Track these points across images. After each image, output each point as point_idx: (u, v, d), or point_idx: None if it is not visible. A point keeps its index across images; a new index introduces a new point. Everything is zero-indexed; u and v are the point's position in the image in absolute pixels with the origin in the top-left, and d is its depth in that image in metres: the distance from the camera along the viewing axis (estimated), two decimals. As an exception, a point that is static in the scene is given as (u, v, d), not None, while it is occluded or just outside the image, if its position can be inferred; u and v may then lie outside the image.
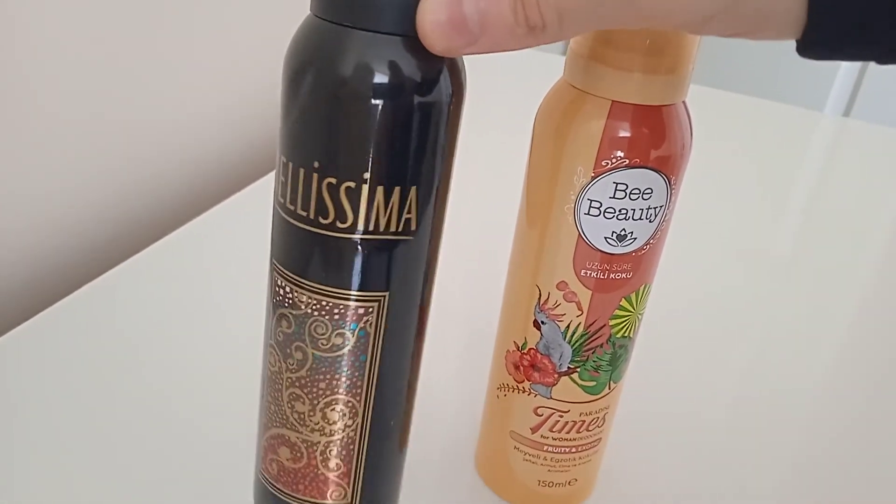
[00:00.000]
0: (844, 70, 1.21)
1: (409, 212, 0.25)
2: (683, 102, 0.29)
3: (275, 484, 0.30)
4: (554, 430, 0.33)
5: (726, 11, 0.19)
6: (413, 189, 0.24)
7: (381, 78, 0.22)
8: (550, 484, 0.35)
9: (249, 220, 0.54)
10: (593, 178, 0.28)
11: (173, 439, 0.37)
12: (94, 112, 0.51)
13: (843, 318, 0.56)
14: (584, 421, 0.33)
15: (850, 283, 0.60)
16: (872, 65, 1.18)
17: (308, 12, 0.24)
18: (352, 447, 0.29)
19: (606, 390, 0.33)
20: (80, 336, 0.42)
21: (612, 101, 0.27)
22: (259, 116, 0.68)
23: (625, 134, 0.27)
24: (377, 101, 0.23)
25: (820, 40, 0.19)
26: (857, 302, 0.59)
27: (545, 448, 0.34)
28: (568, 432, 0.33)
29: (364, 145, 0.23)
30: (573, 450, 0.34)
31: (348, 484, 0.29)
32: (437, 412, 0.41)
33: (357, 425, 0.28)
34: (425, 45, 0.22)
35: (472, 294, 0.50)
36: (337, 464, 0.29)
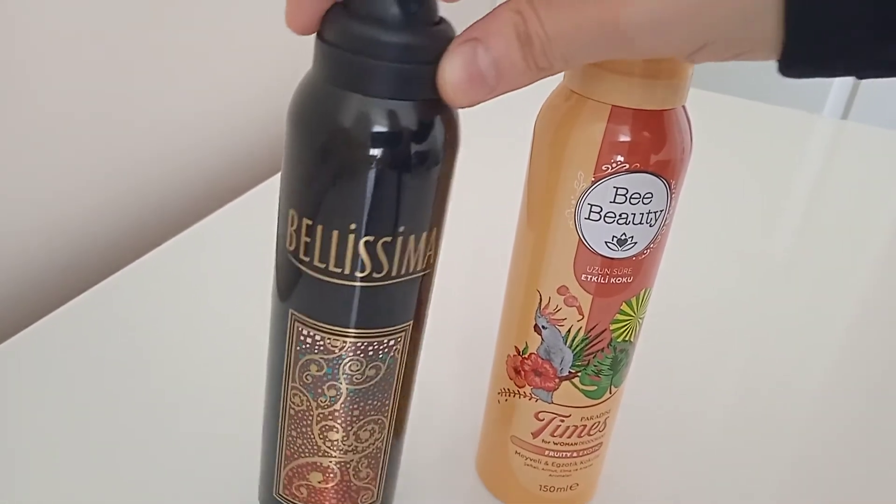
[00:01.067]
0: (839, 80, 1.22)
1: (430, 250, 0.26)
2: (683, 107, 0.29)
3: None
4: (555, 434, 0.33)
5: (710, 44, 0.20)
6: (434, 231, 0.26)
7: (411, 148, 0.24)
8: (552, 489, 0.35)
9: (254, 222, 0.54)
10: (593, 182, 0.28)
11: (177, 443, 0.37)
12: (97, 113, 0.51)
13: (843, 320, 0.56)
14: (585, 425, 0.33)
15: (849, 286, 0.60)
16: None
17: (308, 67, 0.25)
18: (379, 456, 0.30)
19: (608, 395, 0.33)
20: (84, 340, 0.42)
21: (612, 105, 0.27)
22: (261, 119, 0.68)
23: (625, 138, 0.27)
24: (408, 170, 0.24)
25: (798, 61, 0.20)
26: (857, 304, 0.59)
27: (546, 453, 0.34)
28: (569, 437, 0.33)
29: (398, 206, 0.25)
30: (574, 454, 0.34)
31: (376, 486, 0.31)
32: (438, 417, 0.41)
33: (384, 437, 0.30)
34: (449, 103, 0.23)
35: (473, 298, 0.50)
36: (367, 473, 0.30)
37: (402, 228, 0.25)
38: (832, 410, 0.46)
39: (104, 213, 0.54)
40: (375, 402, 0.28)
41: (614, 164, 0.28)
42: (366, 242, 0.25)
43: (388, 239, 0.25)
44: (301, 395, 0.28)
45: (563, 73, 0.29)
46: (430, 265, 0.27)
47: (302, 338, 0.27)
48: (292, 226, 0.26)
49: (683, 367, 0.47)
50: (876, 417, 0.46)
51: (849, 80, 1.22)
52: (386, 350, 0.27)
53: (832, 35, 0.19)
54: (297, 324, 0.27)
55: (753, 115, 0.91)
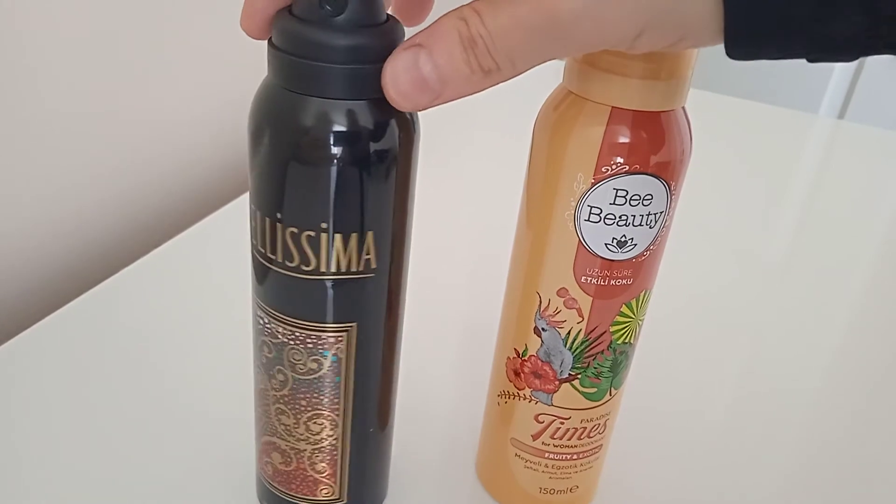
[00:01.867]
0: (839, 73, 1.21)
1: (367, 253, 0.27)
2: (683, 108, 0.29)
3: (272, 483, 0.32)
4: (555, 437, 0.33)
5: (649, 30, 0.20)
6: (370, 234, 0.26)
7: (332, 140, 0.24)
8: (552, 491, 0.35)
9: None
10: (593, 184, 0.28)
11: (176, 441, 0.36)
12: (92, 115, 0.51)
13: (842, 319, 0.56)
14: (585, 428, 0.33)
15: (848, 285, 0.60)
16: (866, 67, 1.19)
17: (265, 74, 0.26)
18: (335, 453, 0.31)
19: (607, 397, 0.33)
20: (84, 340, 0.42)
21: (612, 107, 0.27)
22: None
23: (624, 140, 0.27)
24: (330, 162, 0.25)
25: (741, 41, 0.20)
26: (856, 303, 0.59)
27: (546, 455, 0.34)
28: (569, 439, 0.33)
29: (320, 199, 0.25)
30: (574, 457, 0.34)
31: (335, 483, 0.32)
32: (438, 419, 0.40)
33: (338, 434, 0.30)
34: (395, 106, 0.23)
35: (473, 300, 0.50)
36: (323, 467, 0.31)
37: (324, 225, 0.25)
38: (832, 411, 0.46)
39: (101, 216, 0.54)
40: (322, 398, 0.29)
41: (614, 166, 0.27)
42: (291, 233, 0.26)
43: (312, 233, 0.26)
44: (261, 373, 0.30)
45: (562, 75, 0.29)
46: (370, 269, 0.27)
47: (257, 318, 0.29)
48: (250, 214, 0.27)
49: (683, 368, 0.47)
50: (875, 417, 0.46)
51: (845, 80, 1.22)
52: (325, 346, 0.28)
53: (772, 11, 0.19)
54: (255, 306, 0.29)
55: (750, 115, 0.91)
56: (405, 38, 0.25)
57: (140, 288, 0.48)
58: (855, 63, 1.22)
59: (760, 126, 0.89)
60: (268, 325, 0.28)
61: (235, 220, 0.56)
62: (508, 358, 0.33)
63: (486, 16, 0.21)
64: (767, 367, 0.49)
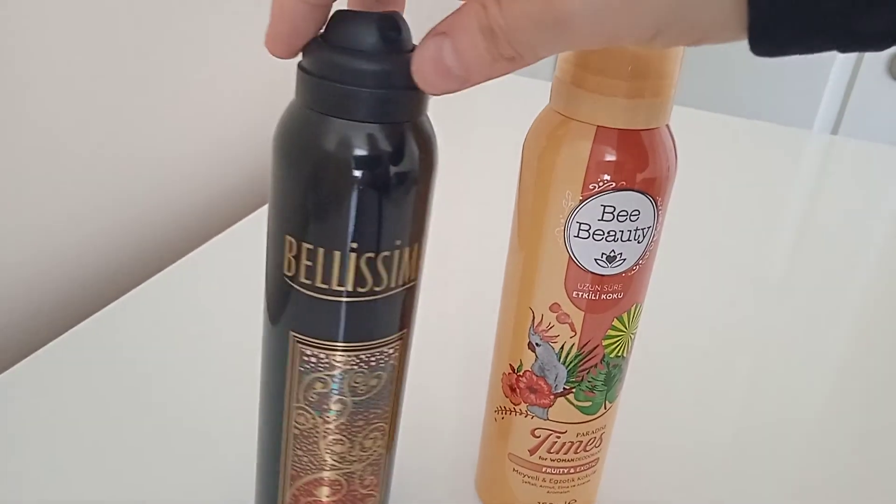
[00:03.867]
0: (831, 88, 1.23)
1: (415, 262, 0.27)
2: (667, 126, 0.30)
3: None
4: (552, 451, 0.34)
5: (665, 29, 0.20)
6: (417, 245, 0.27)
7: (392, 168, 0.25)
8: (550, 505, 0.35)
9: (245, 250, 0.55)
10: (581, 201, 0.29)
11: (175, 465, 0.37)
12: (96, 141, 0.52)
13: (840, 331, 0.56)
14: (581, 441, 0.34)
15: (844, 298, 0.61)
16: (859, 81, 1.20)
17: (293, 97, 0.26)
18: (381, 462, 0.31)
19: (602, 410, 0.33)
20: (83, 369, 0.43)
21: (597, 126, 0.28)
22: (254, 149, 0.69)
23: (611, 158, 0.28)
24: (388, 189, 0.25)
25: (765, 40, 0.20)
26: (852, 317, 0.59)
27: (544, 469, 0.34)
28: (566, 453, 0.34)
29: (396, 221, 0.26)
30: (571, 470, 0.34)
31: (379, 491, 0.32)
32: (437, 435, 0.41)
33: (385, 442, 0.31)
34: (425, 92, 0.24)
35: (471, 317, 0.51)
36: (371, 480, 0.31)
37: (398, 242, 0.26)
38: (831, 423, 0.47)
39: (101, 242, 0.55)
40: (378, 411, 0.29)
41: (601, 183, 0.28)
42: (367, 259, 0.26)
43: (388, 253, 0.26)
44: (306, 413, 0.28)
45: (549, 96, 0.30)
46: (418, 275, 0.28)
47: (305, 358, 0.28)
48: (290, 251, 0.26)
49: (679, 383, 0.48)
50: (874, 436, 0.46)
51: (838, 96, 1.23)
52: (386, 359, 0.28)
53: (797, 9, 0.19)
54: (298, 344, 0.27)
55: (745, 132, 0.92)
56: None
57: (137, 315, 0.48)
58: (847, 79, 1.24)
59: (755, 143, 0.90)
60: (324, 360, 0.27)
61: (228, 248, 0.57)
62: (504, 374, 0.34)
63: (505, 6, 0.21)
64: (765, 380, 0.49)
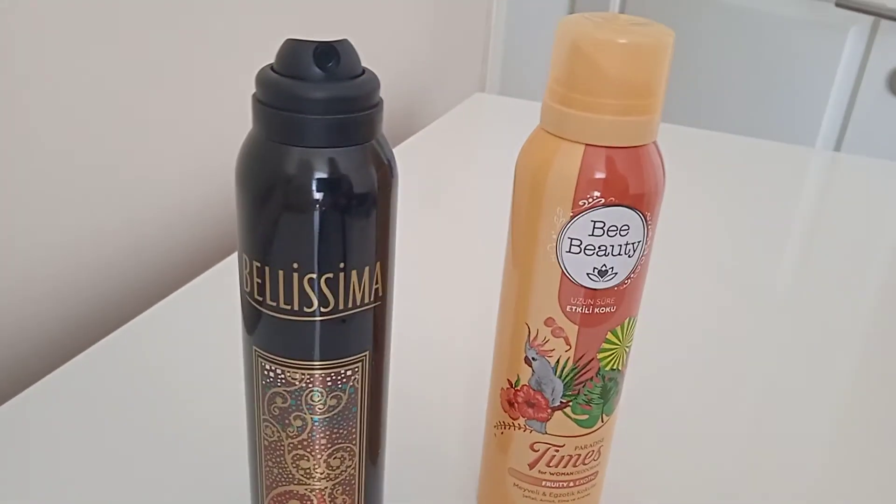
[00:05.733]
0: (832, 104, 1.23)
1: (376, 283, 0.28)
2: (655, 143, 0.31)
3: None
4: (551, 464, 0.34)
5: None
6: (378, 264, 0.28)
7: (346, 191, 0.27)
8: (551, 519, 0.35)
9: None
10: (572, 217, 0.29)
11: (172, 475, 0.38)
12: (85, 174, 0.53)
13: (841, 347, 0.57)
14: (579, 455, 0.34)
15: (848, 314, 0.61)
16: (860, 97, 1.20)
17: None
18: (353, 482, 0.31)
19: (600, 423, 0.34)
20: (76, 403, 0.44)
21: (586, 144, 0.29)
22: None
23: (599, 175, 0.29)
24: (344, 211, 0.26)
25: None
26: (856, 332, 0.59)
27: (543, 483, 0.35)
28: (565, 466, 0.34)
29: (337, 245, 0.27)
30: (571, 484, 0.35)
31: None
32: (440, 451, 0.41)
33: (356, 463, 0.31)
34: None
35: (472, 333, 0.51)
36: (343, 499, 0.32)
37: (342, 265, 0.27)
38: (838, 433, 0.47)
39: (91, 279, 0.56)
40: (342, 431, 0.30)
41: (591, 200, 0.29)
42: (309, 279, 0.27)
43: (330, 275, 0.27)
44: (272, 426, 0.30)
45: (539, 117, 0.31)
46: (379, 297, 0.29)
47: (266, 372, 0.29)
48: (246, 269, 0.28)
49: (680, 396, 0.48)
50: (884, 455, 0.46)
51: (840, 112, 1.24)
52: (345, 380, 0.29)
53: None
54: (259, 359, 0.29)
55: (747, 150, 0.93)
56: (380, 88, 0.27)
57: (133, 347, 0.49)
58: (848, 95, 1.24)
59: (758, 161, 0.90)
60: (281, 376, 0.29)
61: (219, 282, 0.58)
62: (502, 389, 0.34)
63: None
64: (767, 395, 0.50)
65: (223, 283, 0.56)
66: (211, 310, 0.52)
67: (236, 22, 0.63)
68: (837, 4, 1.21)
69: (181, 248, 0.63)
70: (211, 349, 0.48)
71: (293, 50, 0.26)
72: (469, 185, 0.70)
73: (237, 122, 0.66)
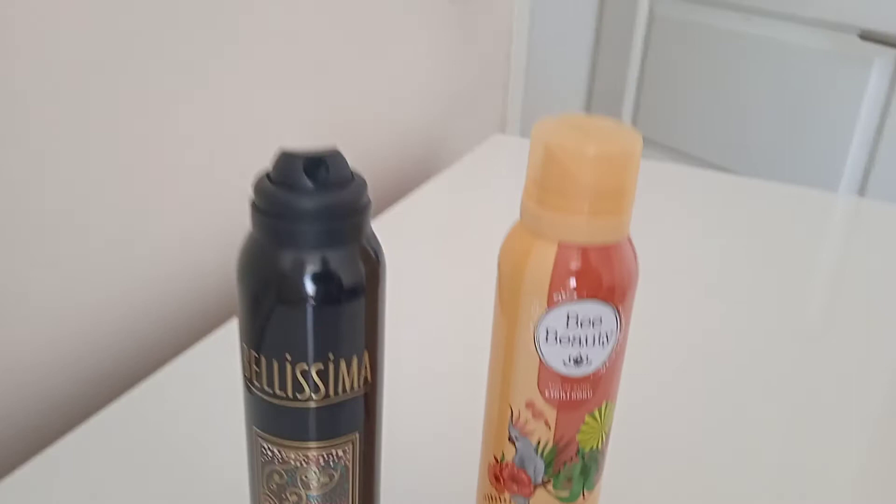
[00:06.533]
0: (859, 132, 1.23)
1: (365, 370, 0.31)
2: (628, 237, 0.32)
3: None
4: (535, 537, 0.36)
5: None
6: (365, 354, 0.30)
7: (335, 289, 0.29)
8: (537, 589, 0.37)
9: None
10: (547, 309, 0.31)
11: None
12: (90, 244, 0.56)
13: (866, 396, 0.56)
14: (563, 528, 0.36)
15: (875, 363, 0.61)
16: (883, 140, 1.20)
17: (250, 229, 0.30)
18: None
19: (581, 498, 0.35)
20: (77, 475, 0.46)
21: (559, 242, 0.31)
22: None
23: (572, 272, 0.31)
24: (333, 308, 0.29)
25: None
26: (881, 379, 0.59)
27: (528, 555, 0.36)
28: (549, 539, 0.36)
29: (325, 336, 0.29)
30: (555, 556, 0.36)
31: None
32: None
33: None
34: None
35: (468, 409, 0.53)
36: None
37: (332, 356, 0.29)
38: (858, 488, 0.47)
39: (91, 349, 0.57)
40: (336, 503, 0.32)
41: (564, 294, 0.31)
42: (301, 369, 0.29)
43: (321, 366, 0.29)
44: (270, 499, 0.32)
45: (520, 212, 0.33)
46: (368, 383, 0.31)
47: (264, 451, 0.31)
48: (245, 356, 0.30)
49: (693, 454, 0.49)
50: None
51: (863, 157, 1.23)
52: (337, 459, 0.31)
53: None
54: (258, 439, 0.31)
55: (769, 195, 0.93)
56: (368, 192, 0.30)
57: (135, 415, 0.50)
58: (874, 127, 1.24)
59: (780, 206, 0.90)
60: (277, 455, 0.31)
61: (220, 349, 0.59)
62: (490, 464, 0.36)
63: None
64: (785, 465, 0.50)
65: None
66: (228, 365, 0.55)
67: (260, 66, 0.67)
68: (861, 37, 1.21)
69: (190, 307, 0.65)
70: (219, 416, 0.51)
71: (285, 161, 0.28)
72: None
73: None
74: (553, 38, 1.64)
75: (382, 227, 0.75)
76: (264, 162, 0.68)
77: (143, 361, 0.60)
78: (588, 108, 1.71)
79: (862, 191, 1.26)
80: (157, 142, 0.58)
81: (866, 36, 1.22)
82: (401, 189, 0.95)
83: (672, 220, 0.83)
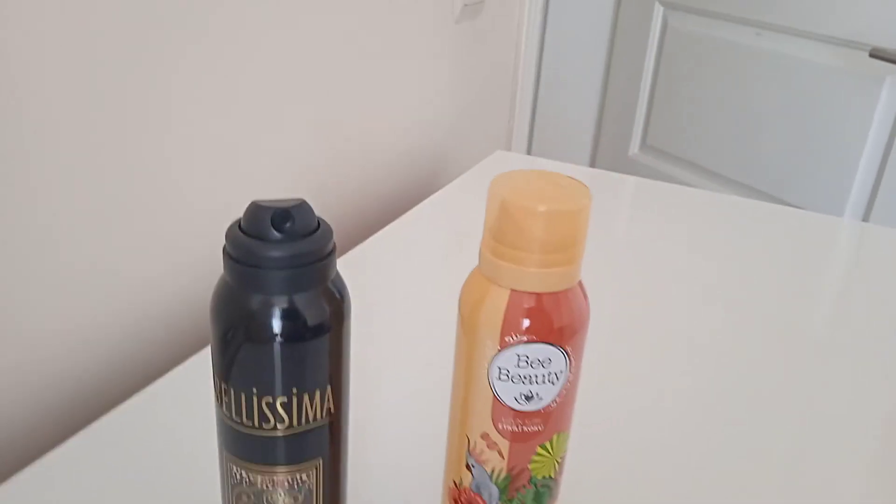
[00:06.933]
0: (862, 172, 1.24)
1: (327, 402, 0.33)
2: (579, 282, 0.35)
3: None
4: (491, 557, 0.38)
5: None
6: (328, 388, 0.33)
7: (300, 329, 0.32)
8: None
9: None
10: (499, 350, 0.34)
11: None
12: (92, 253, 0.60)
13: (869, 419, 0.57)
14: (517, 549, 0.38)
15: (875, 389, 0.62)
16: (889, 165, 1.20)
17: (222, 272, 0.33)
18: None
19: (535, 523, 0.38)
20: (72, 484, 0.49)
21: (511, 289, 0.33)
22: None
23: (522, 316, 0.33)
24: (297, 347, 0.32)
25: None
26: (886, 406, 0.60)
27: (485, 573, 0.39)
28: (504, 559, 0.38)
29: (290, 372, 0.32)
30: (511, 575, 0.39)
31: None
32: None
33: None
34: None
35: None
36: None
37: (294, 390, 0.32)
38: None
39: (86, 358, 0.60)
40: None
41: (515, 337, 0.34)
42: (266, 403, 0.32)
43: (284, 399, 0.32)
44: None
45: (479, 259, 0.36)
46: (331, 415, 0.34)
47: (233, 473, 0.34)
48: (216, 387, 0.33)
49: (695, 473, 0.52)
50: None
51: (869, 181, 1.24)
52: (301, 482, 0.34)
53: None
54: (228, 462, 0.34)
55: (774, 217, 0.94)
56: (333, 238, 0.33)
57: (135, 422, 0.54)
58: (878, 163, 1.24)
59: (785, 229, 0.91)
60: (245, 477, 0.34)
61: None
62: (450, 487, 0.39)
63: None
64: (788, 481, 0.52)
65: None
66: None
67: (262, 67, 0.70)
68: (871, 55, 1.22)
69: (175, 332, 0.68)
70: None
71: (254, 212, 0.31)
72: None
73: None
74: (566, 51, 1.66)
75: (379, 243, 0.78)
76: (265, 177, 0.71)
77: (135, 375, 0.64)
78: (600, 120, 1.72)
79: (870, 204, 1.27)
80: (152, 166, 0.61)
81: (876, 54, 1.22)
82: (402, 205, 0.98)
83: (674, 241, 0.85)
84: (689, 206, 0.94)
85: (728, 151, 1.46)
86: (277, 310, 0.31)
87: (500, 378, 0.34)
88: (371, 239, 0.80)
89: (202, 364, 0.59)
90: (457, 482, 0.38)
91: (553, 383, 0.35)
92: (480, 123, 1.21)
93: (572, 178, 0.35)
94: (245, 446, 0.33)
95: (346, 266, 0.73)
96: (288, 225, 0.31)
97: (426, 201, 0.89)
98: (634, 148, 1.67)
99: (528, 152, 1.62)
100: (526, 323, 0.33)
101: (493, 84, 1.22)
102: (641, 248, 0.84)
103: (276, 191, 0.74)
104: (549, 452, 0.36)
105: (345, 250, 0.81)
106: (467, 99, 1.13)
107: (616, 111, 1.69)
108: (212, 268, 0.68)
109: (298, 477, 0.34)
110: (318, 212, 0.72)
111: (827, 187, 1.29)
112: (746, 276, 0.80)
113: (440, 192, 0.92)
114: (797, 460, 0.56)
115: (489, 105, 1.22)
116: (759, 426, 0.58)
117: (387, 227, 0.82)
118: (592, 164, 1.76)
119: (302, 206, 0.32)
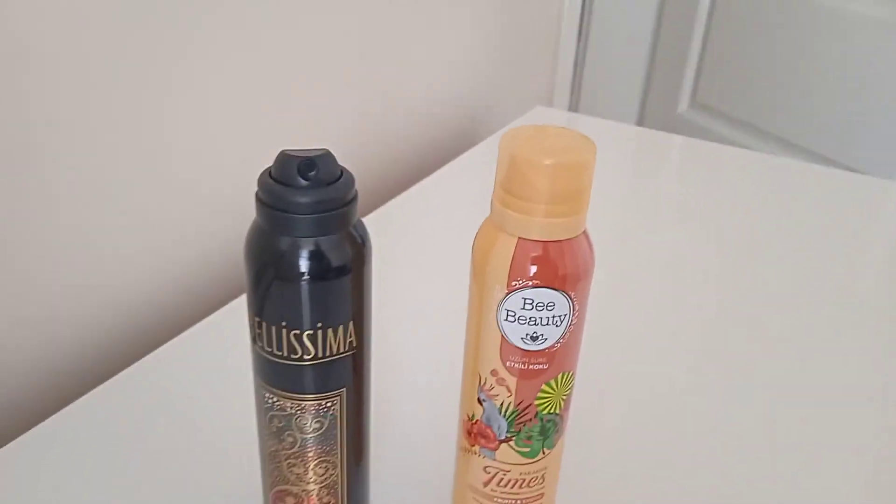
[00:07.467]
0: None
1: (350, 336, 0.36)
2: (584, 231, 0.37)
3: None
4: (500, 485, 0.41)
5: None
6: (350, 323, 0.36)
7: (324, 269, 0.35)
8: (502, 529, 0.43)
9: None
10: (507, 294, 0.37)
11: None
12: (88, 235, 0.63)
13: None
14: (524, 479, 0.41)
15: None
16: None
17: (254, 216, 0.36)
18: (336, 485, 0.40)
19: (541, 455, 0.41)
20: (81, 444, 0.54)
21: (519, 237, 0.36)
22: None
23: (528, 263, 0.36)
24: (322, 284, 0.34)
25: None
26: None
27: (495, 500, 0.42)
28: (512, 487, 0.41)
29: (315, 308, 0.35)
30: (518, 502, 0.42)
31: None
32: (421, 462, 0.49)
33: (338, 472, 0.40)
34: None
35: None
36: (328, 499, 0.40)
37: (319, 324, 0.35)
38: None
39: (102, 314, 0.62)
40: (325, 447, 0.39)
41: (521, 281, 0.36)
42: (294, 334, 0.35)
43: (311, 332, 0.35)
44: (272, 439, 0.39)
45: (490, 209, 0.38)
46: (352, 348, 0.37)
47: (265, 398, 0.38)
48: (251, 321, 0.37)
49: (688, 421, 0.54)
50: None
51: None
52: (325, 410, 0.38)
53: None
54: (262, 389, 0.38)
55: (825, 180, 0.92)
56: (355, 186, 0.35)
57: (144, 384, 0.56)
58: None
59: (836, 192, 0.89)
60: (277, 403, 0.37)
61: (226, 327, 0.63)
62: (464, 420, 0.42)
63: None
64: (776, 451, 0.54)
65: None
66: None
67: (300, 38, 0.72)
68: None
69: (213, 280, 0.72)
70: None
71: (283, 161, 0.34)
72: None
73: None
74: (615, 5, 1.64)
75: (415, 197, 0.81)
76: (313, 115, 0.74)
77: (167, 328, 0.68)
78: (649, 76, 1.71)
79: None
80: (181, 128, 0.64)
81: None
82: (441, 157, 1.00)
83: (720, 204, 0.85)
84: (737, 167, 0.93)
85: (781, 110, 1.43)
86: (304, 251, 0.34)
87: (507, 319, 0.37)
88: (407, 192, 0.82)
89: (240, 307, 0.63)
90: (469, 415, 0.41)
91: (557, 325, 0.37)
92: (521, 77, 1.20)
93: (580, 134, 0.37)
94: (276, 374, 0.37)
95: (382, 217, 0.76)
96: (313, 173, 0.34)
97: (464, 155, 0.91)
98: (683, 105, 1.65)
99: (572, 108, 1.62)
100: (532, 269, 0.36)
101: (536, 35, 1.21)
102: (686, 210, 0.84)
103: (311, 142, 0.77)
104: (554, 390, 0.39)
105: (383, 201, 0.84)
106: (508, 50, 1.13)
107: (666, 66, 1.67)
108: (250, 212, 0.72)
109: (325, 404, 0.37)
110: (356, 162, 0.76)
111: (884, 149, 1.27)
112: (795, 240, 0.79)
113: (477, 146, 0.94)
114: (840, 420, 0.57)
115: (530, 58, 1.21)
116: (782, 399, 0.59)
117: (424, 181, 0.85)
118: (640, 122, 1.75)
119: (326, 156, 0.34)
